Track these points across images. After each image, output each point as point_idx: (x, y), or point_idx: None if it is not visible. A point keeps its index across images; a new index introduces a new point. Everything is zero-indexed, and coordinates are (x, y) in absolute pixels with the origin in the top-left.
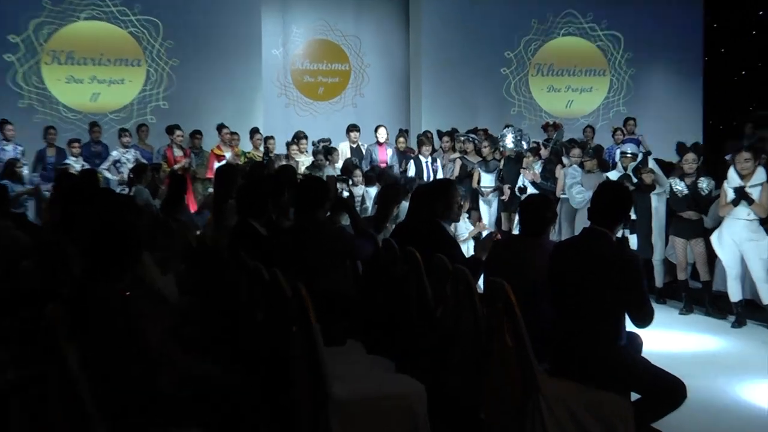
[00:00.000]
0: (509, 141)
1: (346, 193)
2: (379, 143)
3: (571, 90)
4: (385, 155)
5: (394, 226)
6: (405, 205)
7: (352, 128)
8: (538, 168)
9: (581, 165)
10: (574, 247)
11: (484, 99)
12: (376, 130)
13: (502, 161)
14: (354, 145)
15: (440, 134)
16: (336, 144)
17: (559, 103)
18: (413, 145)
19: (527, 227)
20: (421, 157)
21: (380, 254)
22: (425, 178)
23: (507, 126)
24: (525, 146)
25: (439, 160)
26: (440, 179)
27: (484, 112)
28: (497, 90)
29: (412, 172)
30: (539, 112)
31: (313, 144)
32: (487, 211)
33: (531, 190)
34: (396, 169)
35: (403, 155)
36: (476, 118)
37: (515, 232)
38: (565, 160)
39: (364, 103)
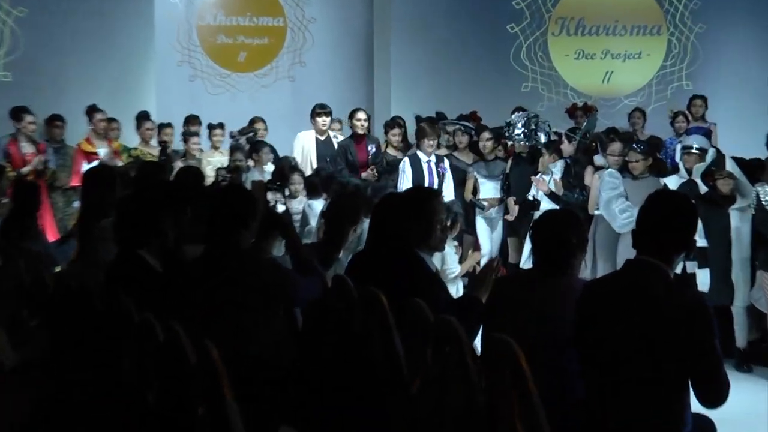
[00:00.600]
0: (519, 132)
1: (280, 208)
2: (356, 135)
3: (611, 56)
4: (366, 153)
5: (350, 256)
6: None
7: (320, 111)
8: (559, 172)
9: (625, 167)
10: (614, 288)
11: (482, 70)
12: (351, 117)
13: (509, 162)
14: (322, 137)
15: (419, 122)
16: (283, 136)
17: (592, 76)
18: (401, 134)
19: (544, 259)
20: (420, 154)
21: (329, 298)
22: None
23: (516, 110)
24: (542, 139)
25: (446, 161)
26: (417, 187)
27: (482, 89)
28: (502, 57)
29: (407, 177)
30: (563, 88)
31: (232, 136)
32: (488, 235)
33: (548, 204)
34: (404, 182)
35: (377, 152)
36: (471, 99)
37: (527, 265)
38: (599, 159)
39: (305, 75)
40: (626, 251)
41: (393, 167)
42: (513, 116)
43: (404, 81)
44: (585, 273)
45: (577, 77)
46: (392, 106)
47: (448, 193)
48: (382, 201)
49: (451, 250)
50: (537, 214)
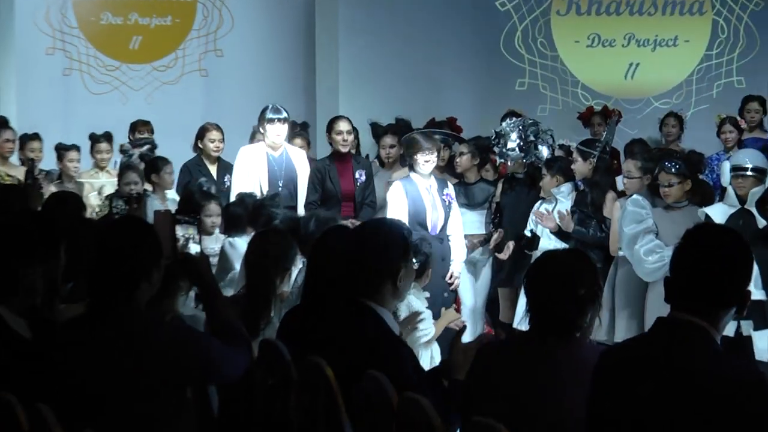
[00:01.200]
0: (513, 146)
1: (194, 248)
2: (337, 155)
3: (636, 43)
4: (351, 182)
5: (282, 312)
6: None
7: (273, 117)
8: (566, 198)
9: (655, 192)
10: (641, 357)
11: (462, 61)
12: (330, 128)
13: (499, 186)
14: (276, 153)
15: (376, 131)
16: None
17: (611, 70)
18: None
19: (544, 318)
20: (415, 177)
21: (256, 373)
22: (433, 224)
23: (508, 115)
24: (544, 155)
25: (450, 186)
26: (374, 220)
27: (462, 86)
28: (488, 43)
29: (399, 210)
30: (572, 86)
31: (122, 151)
32: (470, 285)
33: (552, 243)
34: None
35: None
36: (447, 100)
37: (523, 326)
38: (622, 182)
39: (222, 68)
40: (657, 306)
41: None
42: (504, 124)
43: (356, 75)
44: (600, 335)
45: (591, 71)
46: (340, 108)
47: (456, 232)
48: (325, 238)
49: (420, 303)
50: (535, 255)
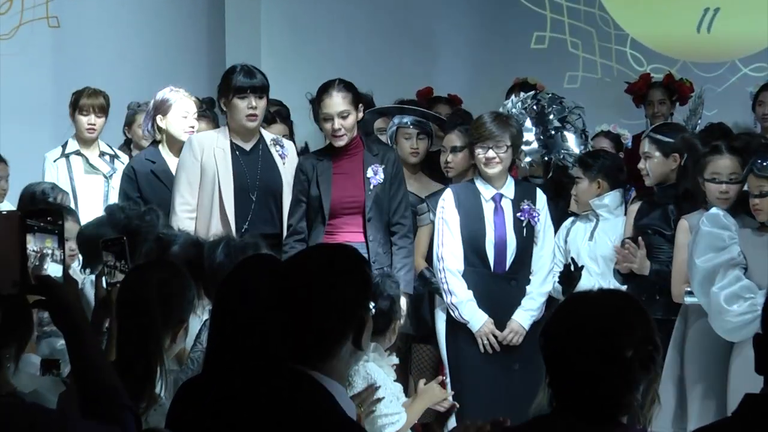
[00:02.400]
0: (527, 135)
1: (54, 270)
2: (332, 147)
3: None
4: (358, 184)
5: (175, 387)
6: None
7: (245, 85)
8: (615, 217)
9: (743, 205)
10: None
11: (448, 7)
12: (317, 101)
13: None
14: (249, 144)
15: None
16: (44, 142)
17: (678, 19)
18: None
19: (571, 396)
20: (480, 185)
21: None
22: (498, 255)
23: (516, 87)
24: (571, 147)
25: (540, 197)
26: (319, 246)
27: (451, 44)
28: None
29: (451, 234)
30: (617, 42)
31: None
32: None
33: (594, 279)
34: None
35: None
36: (427, 64)
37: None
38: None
39: (82, 15)
40: (744, 377)
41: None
42: (509, 103)
43: (286, 25)
44: (663, 426)
45: (646, 20)
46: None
47: (540, 267)
48: (240, 273)
49: (383, 374)
50: (560, 301)
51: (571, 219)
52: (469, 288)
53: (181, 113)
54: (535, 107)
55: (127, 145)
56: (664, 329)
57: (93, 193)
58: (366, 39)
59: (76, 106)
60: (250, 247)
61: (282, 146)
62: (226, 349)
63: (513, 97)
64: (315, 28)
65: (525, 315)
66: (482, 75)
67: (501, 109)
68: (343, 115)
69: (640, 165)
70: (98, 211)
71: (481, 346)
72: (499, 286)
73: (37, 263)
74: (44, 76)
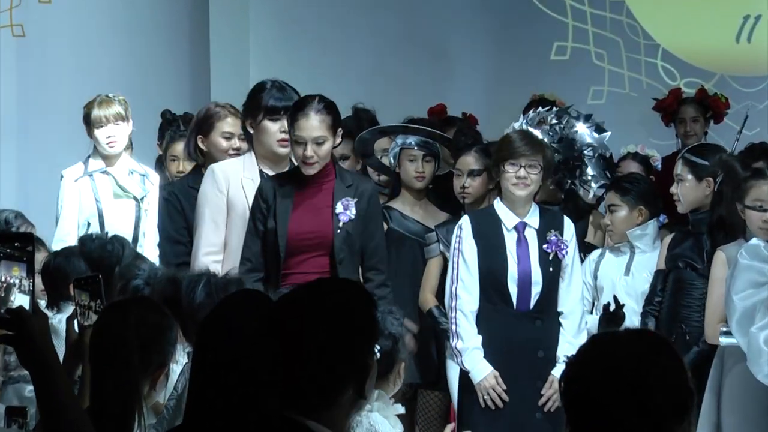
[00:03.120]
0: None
1: (21, 300)
2: (293, 173)
3: None
4: (325, 220)
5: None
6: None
7: (277, 106)
8: (652, 249)
9: None
10: None
11: (468, 9)
12: (289, 122)
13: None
14: (276, 166)
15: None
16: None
17: (714, 28)
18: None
19: None
20: (500, 208)
21: None
22: (521, 291)
23: (535, 104)
24: (587, 169)
25: (568, 226)
26: (319, 281)
27: (465, 55)
28: None
29: (468, 271)
30: (647, 53)
31: None
32: None
33: (635, 318)
34: None
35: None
36: (439, 78)
37: None
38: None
39: (50, 23)
40: None
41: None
42: (529, 116)
43: (277, 36)
44: None
45: (679, 29)
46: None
47: (571, 308)
48: (224, 312)
49: (388, 426)
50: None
51: (598, 252)
52: (489, 329)
53: (224, 133)
54: (556, 123)
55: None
56: (699, 372)
57: (123, 218)
58: (369, 47)
59: (88, 121)
60: (234, 284)
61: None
62: (209, 395)
63: (533, 112)
64: (310, 35)
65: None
66: (497, 89)
67: (521, 122)
68: (318, 141)
69: (673, 189)
70: (128, 236)
71: (481, 400)
72: (522, 327)
73: (2, 294)
74: (7, 88)
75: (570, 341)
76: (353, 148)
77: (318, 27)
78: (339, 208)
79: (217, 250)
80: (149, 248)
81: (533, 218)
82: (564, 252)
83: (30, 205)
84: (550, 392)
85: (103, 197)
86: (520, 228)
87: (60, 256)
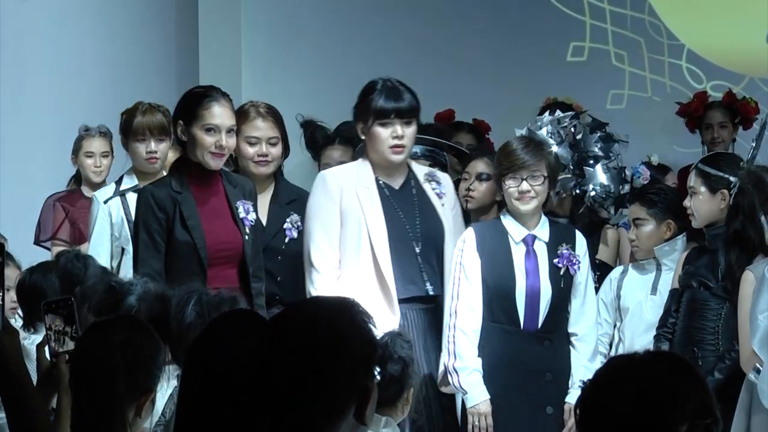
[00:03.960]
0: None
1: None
2: (197, 168)
3: None
4: (231, 228)
5: None
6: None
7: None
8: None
9: None
10: None
11: (477, 7)
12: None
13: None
14: (390, 183)
15: (314, 138)
16: None
17: (744, 27)
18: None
19: None
20: (507, 223)
21: None
22: (530, 310)
23: (549, 107)
24: (599, 178)
25: (580, 241)
26: (315, 301)
27: (473, 56)
28: None
29: (473, 282)
30: (671, 54)
31: None
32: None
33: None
34: None
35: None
36: (447, 80)
37: None
38: None
39: (24, 18)
40: None
41: None
42: (547, 117)
43: (270, 36)
44: None
45: (703, 30)
46: (243, 96)
47: (585, 330)
48: (215, 334)
49: None
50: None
51: (620, 270)
52: (493, 350)
53: (249, 138)
54: (573, 129)
55: (77, 181)
56: (725, 393)
57: None
58: (371, 48)
59: (128, 130)
60: (227, 304)
61: (438, 182)
62: (198, 421)
63: (548, 116)
64: (307, 36)
65: (573, 392)
66: (509, 93)
67: (530, 126)
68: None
69: (686, 202)
70: None
71: (470, 425)
72: (529, 348)
73: None
74: None
75: (585, 365)
76: (353, 156)
77: (315, 27)
78: (241, 212)
79: (335, 265)
80: None
81: (543, 231)
82: (576, 267)
83: (3, 217)
84: (571, 422)
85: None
86: (529, 241)
87: (36, 272)
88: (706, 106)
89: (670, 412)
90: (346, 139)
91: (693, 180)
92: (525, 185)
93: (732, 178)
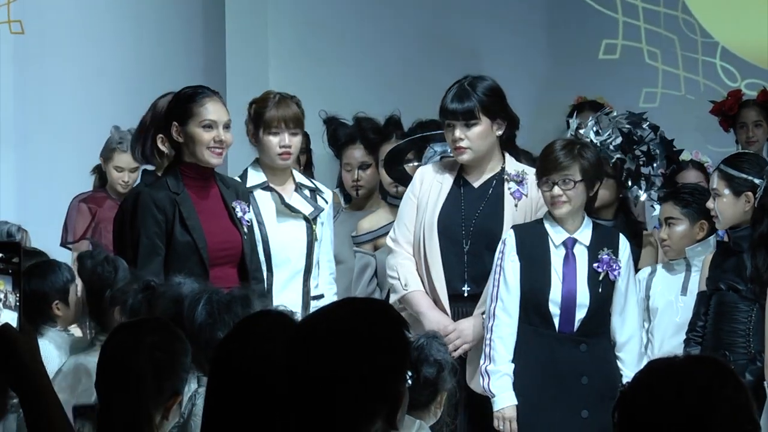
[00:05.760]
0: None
1: (7, 317)
2: (195, 169)
3: None
4: (229, 227)
5: None
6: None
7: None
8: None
9: None
10: None
11: (502, 5)
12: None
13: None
14: (449, 179)
15: (336, 136)
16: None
17: None
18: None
19: None
20: (549, 227)
21: None
22: (566, 313)
23: (579, 108)
24: (640, 185)
25: (624, 245)
26: (347, 302)
27: (501, 52)
28: None
29: (509, 293)
30: (705, 52)
31: None
32: None
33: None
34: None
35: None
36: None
37: None
38: None
39: (48, 19)
40: None
41: None
42: (576, 122)
43: (297, 32)
44: None
45: (738, 28)
46: (271, 85)
47: (627, 337)
48: (242, 338)
49: None
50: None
51: (648, 270)
52: (528, 353)
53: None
54: (625, 128)
55: (101, 179)
56: (755, 395)
57: (291, 242)
58: (395, 45)
59: (259, 121)
60: (238, 302)
61: (520, 182)
62: (225, 420)
63: (578, 118)
64: (331, 35)
65: None
66: (540, 91)
67: (572, 127)
68: (226, 125)
69: (709, 204)
70: (300, 266)
71: (495, 422)
72: (565, 351)
73: None
74: (4, 89)
75: (627, 375)
76: (377, 156)
77: (340, 25)
78: (238, 211)
79: (411, 254)
80: (324, 279)
81: (584, 234)
82: (616, 273)
83: (30, 216)
84: None
85: (266, 218)
86: (569, 244)
87: (36, 275)
88: (740, 104)
89: (709, 418)
90: (367, 140)
91: (716, 182)
92: (556, 190)
93: (756, 180)
